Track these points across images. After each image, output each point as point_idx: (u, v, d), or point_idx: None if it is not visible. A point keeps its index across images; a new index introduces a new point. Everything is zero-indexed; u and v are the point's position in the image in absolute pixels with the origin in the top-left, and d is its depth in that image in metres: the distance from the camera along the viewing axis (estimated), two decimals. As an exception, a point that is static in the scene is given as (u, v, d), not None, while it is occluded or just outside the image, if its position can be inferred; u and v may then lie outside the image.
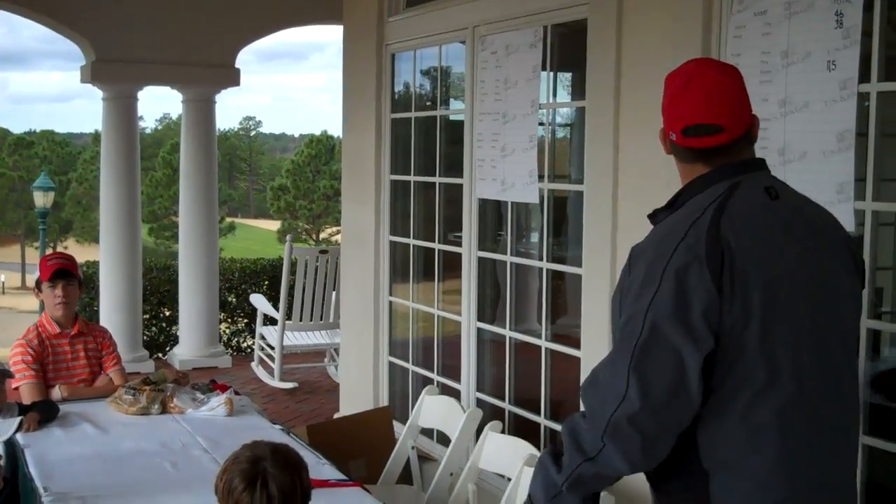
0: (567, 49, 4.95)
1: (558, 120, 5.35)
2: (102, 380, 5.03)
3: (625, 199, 4.21)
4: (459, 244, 5.53)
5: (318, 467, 3.74)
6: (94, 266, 10.59)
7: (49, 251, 19.78)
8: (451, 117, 5.91)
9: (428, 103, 6.21)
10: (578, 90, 4.92)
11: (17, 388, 4.86)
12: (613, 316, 2.42)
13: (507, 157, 5.00)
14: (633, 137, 4.17)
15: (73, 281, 5.00)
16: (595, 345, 4.24)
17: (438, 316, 5.90)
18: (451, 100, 6.06)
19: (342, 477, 3.67)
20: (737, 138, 2.42)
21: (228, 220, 60.20)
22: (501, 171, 5.07)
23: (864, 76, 3.28)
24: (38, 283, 5.05)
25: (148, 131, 78.09)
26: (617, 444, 2.26)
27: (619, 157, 4.25)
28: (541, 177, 4.84)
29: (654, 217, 2.51)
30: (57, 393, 4.84)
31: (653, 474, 2.38)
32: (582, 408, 2.38)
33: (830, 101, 3.34)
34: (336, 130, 66.30)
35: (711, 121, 2.40)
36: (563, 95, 5.43)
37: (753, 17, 3.63)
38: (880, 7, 3.26)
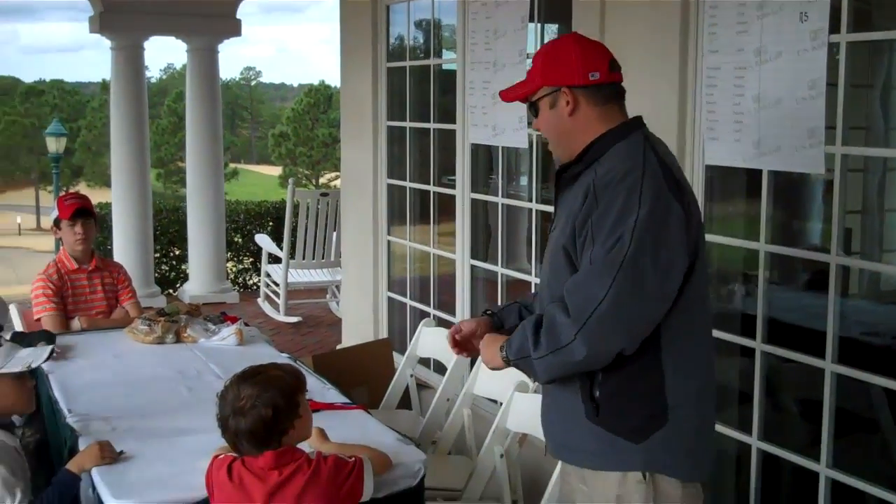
0: (553, 1, 4.95)
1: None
2: (119, 312, 5.10)
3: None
4: (453, 187, 5.57)
5: (324, 392, 3.82)
6: (105, 208, 10.61)
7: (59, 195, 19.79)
8: (444, 66, 5.92)
9: (421, 54, 6.21)
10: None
11: (38, 320, 4.93)
12: (560, 251, 2.58)
13: (498, 104, 5.02)
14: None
15: (90, 219, 5.04)
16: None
17: (434, 254, 5.96)
18: (444, 50, 6.07)
19: (346, 401, 3.75)
20: None
21: (232, 165, 59.94)
22: (493, 117, 5.09)
23: (835, 27, 3.31)
24: (57, 222, 5.08)
25: (153, 80, 77.45)
26: (588, 341, 2.44)
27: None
28: (529, 123, 4.87)
29: (562, 173, 2.68)
30: (76, 324, 4.91)
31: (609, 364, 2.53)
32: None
33: (802, 51, 3.37)
34: (333, 80, 65.79)
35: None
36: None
37: (731, -29, 3.65)
38: (851, -39, 3.28)
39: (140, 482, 2.90)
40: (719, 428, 3.90)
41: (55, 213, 5.13)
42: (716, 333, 3.83)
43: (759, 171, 3.63)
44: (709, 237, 3.85)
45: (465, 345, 2.93)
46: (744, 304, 4.05)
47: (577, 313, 2.45)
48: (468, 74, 5.27)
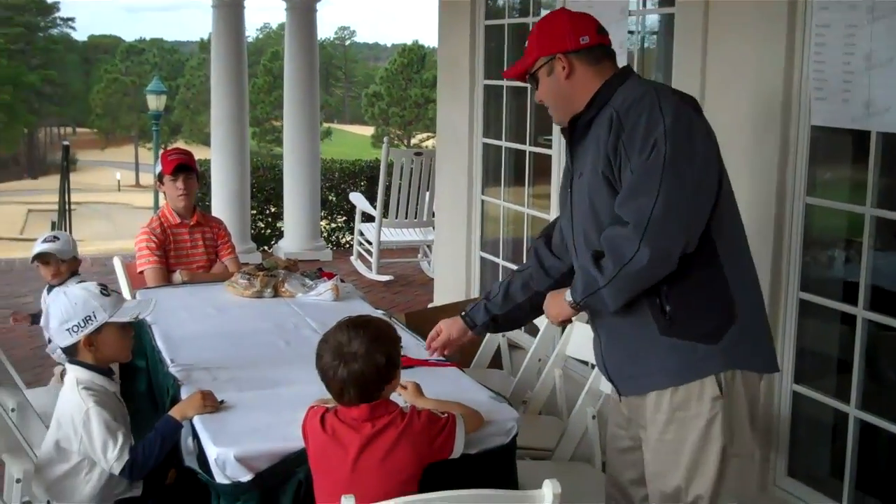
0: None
1: (648, 27, 5.27)
2: (218, 267, 5.21)
3: (711, 106, 4.15)
4: (549, 147, 5.53)
5: (418, 349, 3.84)
6: (204, 164, 10.82)
7: (162, 150, 20.19)
8: (543, 25, 5.85)
9: (516, 13, 6.15)
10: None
11: (141, 272, 5.07)
12: (598, 185, 2.75)
13: (598, 62, 4.96)
14: (720, 43, 4.11)
15: (192, 175, 5.14)
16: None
17: (528, 214, 5.94)
18: (542, 9, 6.00)
19: (440, 358, 3.77)
20: None
21: (325, 125, 60.49)
22: (592, 76, 5.01)
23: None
24: (161, 177, 5.20)
25: (250, 40, 78.37)
26: (651, 243, 2.60)
27: (705, 66, 4.19)
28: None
29: (574, 122, 2.88)
30: (178, 276, 5.03)
31: (674, 274, 2.68)
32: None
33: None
34: (427, 40, 65.73)
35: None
36: (654, 2, 5.34)
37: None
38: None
39: (240, 431, 2.96)
40: (815, 395, 3.85)
41: (159, 168, 5.24)
42: (815, 299, 3.78)
43: (868, 133, 3.52)
44: (812, 200, 3.77)
45: (447, 345, 3.47)
46: (845, 271, 3.95)
47: (636, 221, 2.61)
48: (567, 33, 5.20)
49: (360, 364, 2.71)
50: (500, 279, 3.47)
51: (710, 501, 2.79)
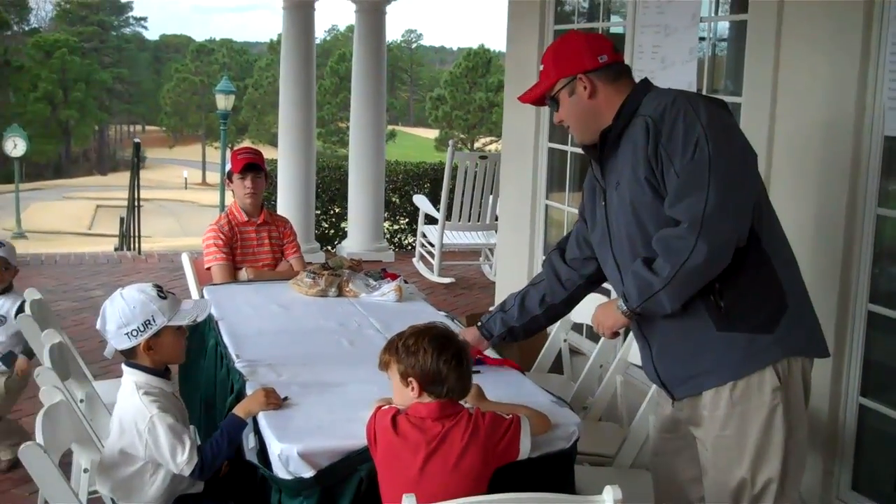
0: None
1: (719, 34, 5.22)
2: (283, 265, 5.27)
3: (782, 115, 4.12)
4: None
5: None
6: (271, 164, 10.95)
7: (228, 152, 20.48)
8: (612, 29, 5.84)
9: (583, 19, 6.13)
10: (739, 4, 4.79)
11: (209, 269, 5.15)
12: (640, 193, 2.80)
13: (667, 69, 4.93)
14: (793, 51, 4.06)
15: (260, 174, 5.21)
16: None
17: (592, 220, 5.91)
18: (612, 15, 5.98)
19: (501, 358, 3.78)
20: None
21: (389, 127, 60.79)
22: (660, 82, 4.97)
23: None
24: (230, 175, 5.27)
25: (317, 41, 79.09)
26: (708, 239, 2.65)
27: (778, 73, 4.15)
28: (699, 89, 4.77)
29: (605, 136, 2.92)
30: (244, 274, 5.10)
31: (724, 270, 2.73)
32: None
33: None
34: (493, 44, 65.55)
35: None
36: (725, 10, 5.29)
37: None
38: None
39: (303, 428, 2.99)
40: (882, 409, 3.79)
41: (229, 166, 5.31)
42: (884, 311, 3.72)
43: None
44: (883, 212, 3.71)
45: None
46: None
47: (690, 220, 2.66)
48: (637, 38, 5.19)
49: (465, 361, 2.85)
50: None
51: (780, 485, 2.84)
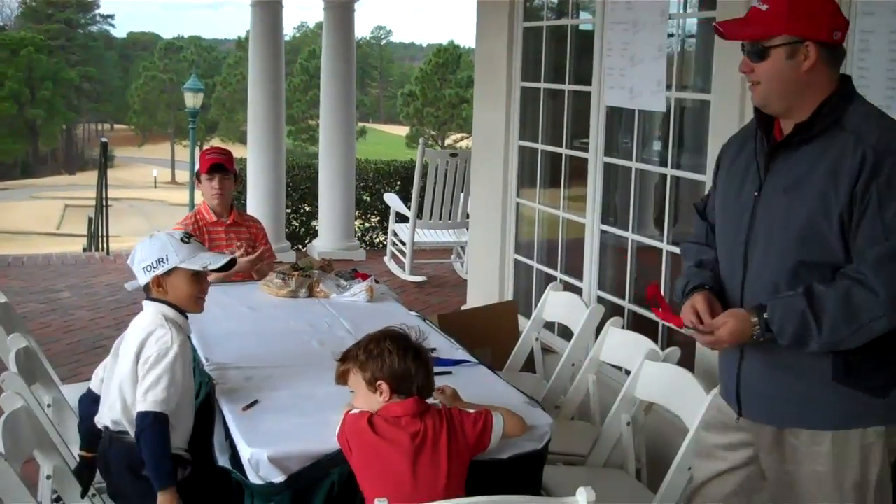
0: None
1: (687, 30, 5.23)
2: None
3: (751, 109, 4.11)
4: (586, 150, 5.51)
5: (452, 350, 3.84)
6: (240, 163, 10.88)
7: (198, 150, 20.34)
8: (581, 27, 5.84)
9: (553, 15, 6.12)
10: (708, 1, 4.80)
11: (176, 269, 5.08)
12: (818, 217, 2.53)
13: (636, 65, 4.93)
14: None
15: (228, 175, 5.16)
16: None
17: (563, 218, 5.91)
18: (581, 11, 5.98)
19: (473, 360, 3.76)
20: None
21: (360, 124, 60.66)
22: (630, 79, 5.00)
23: None
24: (198, 175, 5.22)
25: (287, 38, 78.73)
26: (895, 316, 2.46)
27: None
28: (668, 86, 4.77)
29: (803, 132, 2.58)
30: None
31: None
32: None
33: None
34: (462, 40, 65.72)
35: None
36: (693, 6, 5.30)
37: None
38: None
39: (273, 432, 2.97)
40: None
41: (198, 166, 5.26)
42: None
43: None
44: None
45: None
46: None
47: (890, 294, 2.45)
48: (606, 35, 5.19)
49: (427, 359, 2.89)
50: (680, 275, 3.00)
51: None
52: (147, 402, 2.98)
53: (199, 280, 3.23)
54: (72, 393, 4.13)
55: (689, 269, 2.92)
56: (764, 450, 2.77)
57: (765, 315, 2.57)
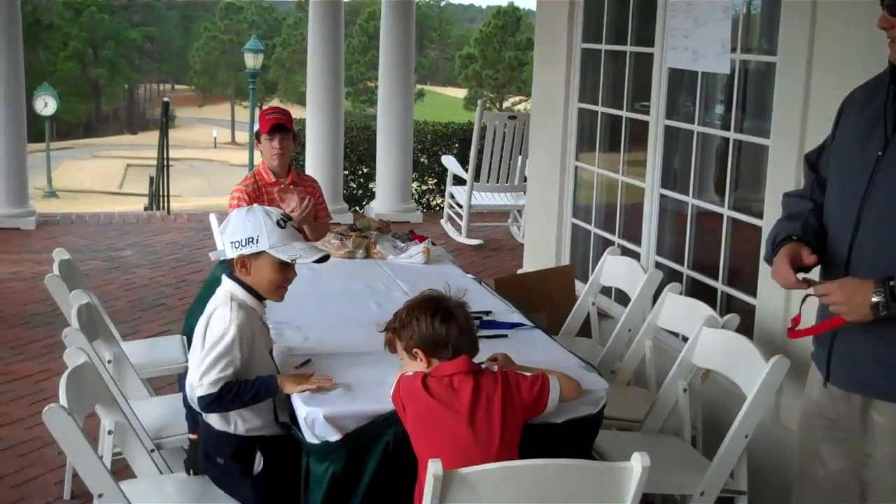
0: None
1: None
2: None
3: (818, 72, 4.03)
4: (646, 113, 5.43)
5: (507, 314, 3.83)
6: (299, 124, 10.91)
7: (257, 111, 20.43)
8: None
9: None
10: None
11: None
12: None
13: (700, 27, 4.84)
14: (831, 10, 3.96)
15: (288, 135, 5.16)
16: (777, 214, 4.14)
17: (622, 182, 5.85)
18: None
19: (529, 324, 3.75)
20: None
21: (418, 86, 60.56)
22: (693, 40, 4.91)
23: None
24: (258, 135, 5.23)
25: (346, 0, 78.72)
26: None
27: (815, 29, 4.05)
28: (732, 48, 4.68)
29: None
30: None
31: None
32: None
33: None
34: (522, 2, 65.10)
35: None
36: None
37: None
38: None
39: (329, 392, 2.97)
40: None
41: (258, 126, 5.28)
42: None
43: None
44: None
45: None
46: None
47: None
48: (670, -4, 5.09)
49: (460, 316, 2.86)
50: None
51: None
52: (203, 386, 2.93)
53: (284, 269, 3.10)
54: (132, 350, 4.21)
55: (778, 222, 2.83)
56: (845, 427, 2.68)
57: (891, 283, 2.41)
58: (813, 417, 2.82)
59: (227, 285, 3.10)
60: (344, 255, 4.59)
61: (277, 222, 3.07)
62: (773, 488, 4.00)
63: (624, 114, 5.78)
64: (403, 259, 4.60)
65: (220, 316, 3.01)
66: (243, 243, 3.04)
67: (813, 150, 2.94)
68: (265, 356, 3.12)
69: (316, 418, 2.84)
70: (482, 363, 2.94)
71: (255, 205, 3.04)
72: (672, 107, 5.31)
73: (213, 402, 2.94)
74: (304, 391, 2.94)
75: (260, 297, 3.11)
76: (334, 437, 2.84)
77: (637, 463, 2.43)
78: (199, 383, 2.94)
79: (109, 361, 3.87)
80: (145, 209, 14.31)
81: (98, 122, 67.19)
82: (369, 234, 4.71)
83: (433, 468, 2.36)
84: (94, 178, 42.95)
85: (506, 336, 3.52)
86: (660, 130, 5.30)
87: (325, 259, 3.18)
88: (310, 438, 2.86)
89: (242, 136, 51.52)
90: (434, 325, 2.82)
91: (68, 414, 2.66)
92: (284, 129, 5.14)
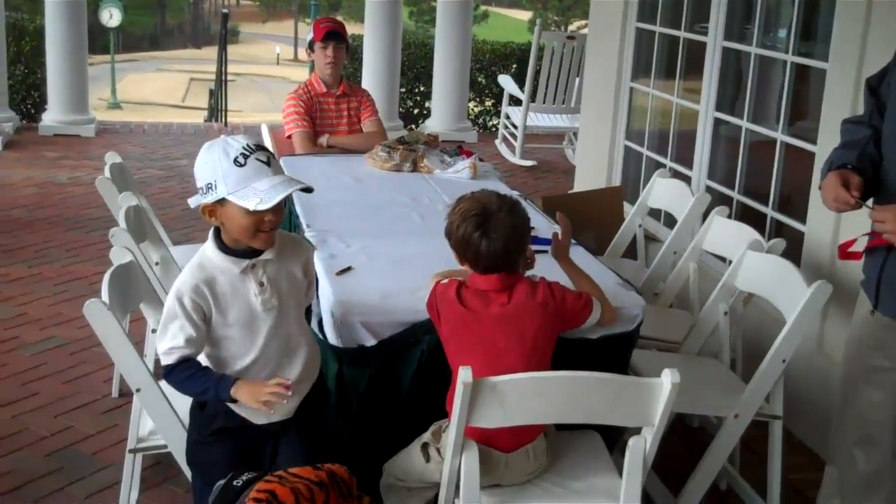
0: None
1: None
2: (359, 137, 5.22)
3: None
4: (705, 34, 5.31)
5: (551, 230, 3.80)
6: (358, 40, 10.84)
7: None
8: None
9: None
10: None
11: (289, 137, 5.14)
12: None
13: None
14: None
15: (341, 43, 5.15)
16: (831, 141, 4.04)
17: (677, 104, 5.75)
18: None
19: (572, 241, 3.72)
20: None
21: (482, 7, 59.68)
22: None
23: None
24: (311, 44, 5.22)
25: (412, -83, 77.47)
26: None
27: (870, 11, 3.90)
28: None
29: None
30: (323, 140, 5.10)
31: None
32: None
33: None
34: (592, -77, 63.42)
35: None
36: None
37: None
38: None
39: (367, 298, 2.99)
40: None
41: (311, 35, 5.26)
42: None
43: None
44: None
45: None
46: None
47: None
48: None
49: (502, 230, 2.72)
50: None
51: None
52: (161, 354, 2.58)
53: (255, 212, 2.49)
54: (181, 255, 4.25)
55: (835, 150, 2.80)
56: (892, 356, 2.67)
57: None
58: (859, 345, 2.80)
59: (206, 245, 2.67)
60: (390, 167, 4.59)
61: (235, 160, 2.49)
62: (811, 417, 3.98)
63: (682, 34, 5.65)
64: (450, 174, 4.58)
65: (178, 279, 2.63)
66: (204, 191, 2.54)
67: (875, 74, 2.86)
68: (251, 320, 2.62)
69: (353, 324, 2.86)
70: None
71: (218, 139, 2.56)
72: (731, 28, 5.17)
73: (167, 374, 2.59)
74: (260, 403, 2.48)
75: (232, 252, 2.61)
76: (370, 342, 2.86)
77: (667, 379, 2.43)
78: (159, 350, 2.60)
79: (157, 263, 3.93)
80: (204, 122, 14.38)
81: (163, 36, 67.34)
82: (417, 147, 4.69)
83: (463, 375, 2.38)
84: (158, 90, 43.17)
85: (546, 252, 3.49)
86: (717, 52, 5.18)
87: (308, 190, 2.61)
88: (348, 343, 2.88)
89: (305, 54, 51.35)
90: (463, 231, 2.75)
91: (108, 309, 2.70)
92: (338, 37, 5.12)
